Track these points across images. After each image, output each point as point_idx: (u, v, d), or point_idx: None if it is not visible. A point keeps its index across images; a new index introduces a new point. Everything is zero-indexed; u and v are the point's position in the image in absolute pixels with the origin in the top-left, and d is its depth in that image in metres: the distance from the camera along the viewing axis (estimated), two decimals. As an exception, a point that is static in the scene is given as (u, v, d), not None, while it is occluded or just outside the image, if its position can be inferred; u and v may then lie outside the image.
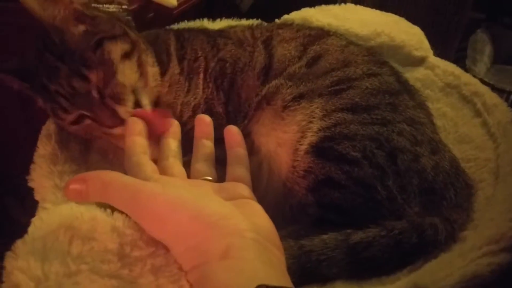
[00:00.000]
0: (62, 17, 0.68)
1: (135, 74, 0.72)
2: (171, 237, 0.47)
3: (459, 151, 0.80)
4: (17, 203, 1.82)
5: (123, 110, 0.67)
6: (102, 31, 0.71)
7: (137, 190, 0.49)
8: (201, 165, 0.60)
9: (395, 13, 1.13)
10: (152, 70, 0.77)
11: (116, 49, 0.70)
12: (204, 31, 0.91)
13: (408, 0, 1.85)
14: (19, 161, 0.77)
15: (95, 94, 0.67)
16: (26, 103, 1.64)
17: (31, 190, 0.71)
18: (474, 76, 0.97)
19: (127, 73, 0.71)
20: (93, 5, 1.11)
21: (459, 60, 2.00)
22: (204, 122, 0.64)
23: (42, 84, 0.68)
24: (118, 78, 0.69)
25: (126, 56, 0.72)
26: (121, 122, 0.67)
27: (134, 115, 0.65)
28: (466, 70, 1.95)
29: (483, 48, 2.09)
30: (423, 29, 1.09)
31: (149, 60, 0.77)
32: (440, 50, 1.08)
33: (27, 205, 0.64)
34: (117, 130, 0.67)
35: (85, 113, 0.68)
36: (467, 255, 0.58)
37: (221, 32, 0.90)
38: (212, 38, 0.87)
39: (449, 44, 1.93)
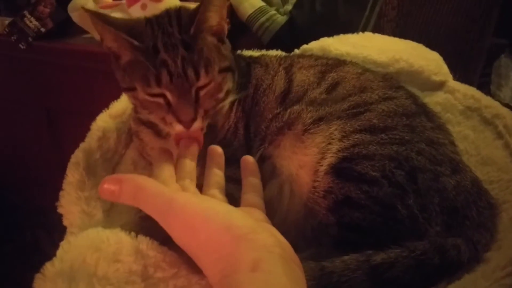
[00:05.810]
0: (216, 22, 0.73)
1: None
2: (201, 247, 0.47)
3: (482, 173, 0.79)
4: (47, 235, 1.86)
5: (200, 122, 0.71)
6: (229, 60, 0.76)
7: (171, 198, 0.50)
8: (214, 192, 0.61)
9: (416, 41, 1.13)
10: None
11: (229, 83, 0.76)
12: (243, 57, 0.95)
13: (429, 29, 1.85)
14: (49, 194, 0.79)
15: (193, 91, 0.70)
16: (55, 138, 1.69)
17: (60, 223, 0.74)
18: (499, 101, 0.97)
19: (224, 104, 0.77)
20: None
21: (483, 85, 1.99)
22: (217, 153, 0.66)
23: (155, 48, 0.69)
24: (218, 106, 0.75)
25: (228, 93, 0.77)
26: (189, 127, 0.69)
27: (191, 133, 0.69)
28: (491, 95, 1.94)
29: (507, 73, 2.08)
30: (445, 56, 1.08)
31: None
32: (464, 76, 1.07)
33: (56, 238, 0.66)
34: (179, 128, 0.70)
35: (170, 97, 0.69)
36: (490, 276, 0.58)
37: (255, 59, 0.94)
38: (248, 63, 0.90)
39: (472, 69, 1.92)
